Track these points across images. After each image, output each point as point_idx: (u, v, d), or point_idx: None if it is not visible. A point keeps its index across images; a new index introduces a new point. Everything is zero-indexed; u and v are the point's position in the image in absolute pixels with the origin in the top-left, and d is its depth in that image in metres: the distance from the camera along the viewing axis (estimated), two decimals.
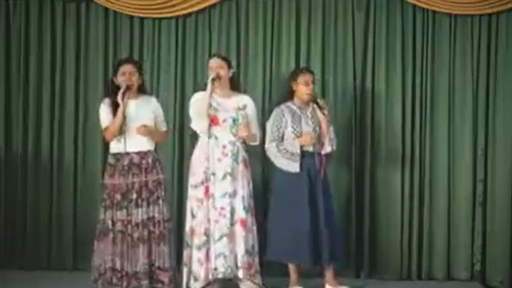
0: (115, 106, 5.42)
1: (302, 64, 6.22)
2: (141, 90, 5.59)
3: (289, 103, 5.70)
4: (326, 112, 5.58)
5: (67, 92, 6.39)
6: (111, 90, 5.51)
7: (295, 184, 5.55)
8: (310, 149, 5.59)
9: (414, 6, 6.18)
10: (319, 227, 5.51)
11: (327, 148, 5.61)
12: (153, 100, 5.65)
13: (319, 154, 5.60)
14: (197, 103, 5.56)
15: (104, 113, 5.50)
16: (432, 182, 6.18)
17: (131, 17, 6.36)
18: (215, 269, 5.41)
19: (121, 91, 5.37)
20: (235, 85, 5.69)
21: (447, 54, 6.20)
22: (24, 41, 6.38)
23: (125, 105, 5.37)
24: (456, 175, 6.19)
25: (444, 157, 6.19)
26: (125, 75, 5.47)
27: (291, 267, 5.67)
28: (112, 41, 6.39)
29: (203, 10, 6.32)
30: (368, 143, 6.20)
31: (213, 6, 6.31)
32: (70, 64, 6.39)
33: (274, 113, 5.70)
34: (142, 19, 6.37)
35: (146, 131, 5.43)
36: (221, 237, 5.42)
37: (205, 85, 5.54)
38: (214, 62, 5.60)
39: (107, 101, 5.51)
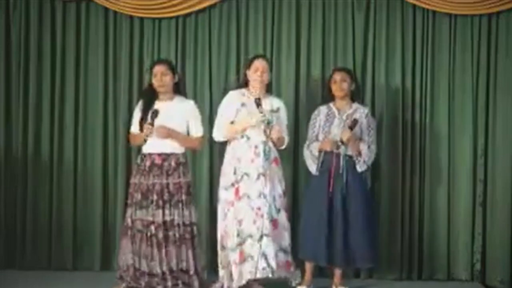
0: (146, 110, 5.45)
1: (302, 64, 6.24)
2: (177, 91, 5.58)
3: (331, 104, 5.73)
4: (346, 139, 5.52)
5: (67, 92, 6.38)
6: (148, 92, 5.56)
7: (319, 185, 5.60)
8: (334, 150, 5.59)
9: (414, 6, 6.18)
10: (335, 229, 5.53)
11: (357, 167, 5.60)
12: (189, 103, 5.60)
13: (349, 156, 5.58)
14: (229, 107, 5.57)
15: (134, 117, 5.59)
16: (432, 182, 6.18)
17: (131, 17, 6.36)
18: (263, 268, 5.34)
19: (149, 121, 5.37)
20: (270, 88, 5.72)
21: (447, 54, 6.20)
22: (24, 41, 6.37)
23: (149, 132, 5.37)
24: (456, 175, 6.19)
25: (444, 157, 6.19)
26: (157, 76, 5.49)
27: (308, 266, 5.69)
28: (112, 41, 6.38)
29: (203, 10, 6.32)
30: None
31: (213, 6, 6.31)
32: (70, 64, 6.38)
33: (313, 113, 5.77)
34: (142, 19, 6.36)
35: (165, 133, 5.42)
36: (261, 237, 5.36)
37: (239, 84, 5.70)
38: (261, 64, 5.57)
39: (140, 104, 5.57)
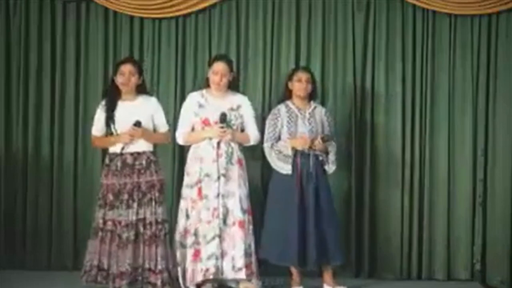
0: (111, 111, 5.45)
1: (302, 64, 6.22)
2: (140, 90, 5.57)
3: (288, 102, 5.71)
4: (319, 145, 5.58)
5: (67, 92, 6.39)
6: (111, 91, 5.53)
7: (288, 185, 5.55)
8: (305, 150, 5.57)
9: (414, 6, 6.19)
10: (308, 229, 5.50)
11: (326, 168, 5.64)
12: (152, 100, 5.59)
13: (316, 156, 5.59)
14: (188, 111, 5.59)
15: (97, 118, 5.56)
16: (432, 181, 6.18)
17: (131, 17, 6.36)
18: (207, 270, 5.40)
19: (122, 146, 5.39)
20: (235, 86, 5.69)
21: (447, 54, 6.20)
22: (24, 41, 6.38)
23: (131, 140, 5.38)
24: (456, 175, 6.19)
25: (444, 157, 6.19)
26: (125, 75, 5.47)
27: (292, 268, 5.66)
28: (112, 41, 6.39)
29: (203, 10, 6.32)
30: (368, 142, 6.20)
31: (213, 6, 6.31)
32: (70, 64, 6.39)
33: (271, 112, 5.72)
34: (142, 19, 6.37)
35: (139, 133, 5.40)
36: (213, 238, 5.42)
37: (204, 84, 5.67)
38: (219, 67, 5.57)
39: (103, 104, 5.53)
